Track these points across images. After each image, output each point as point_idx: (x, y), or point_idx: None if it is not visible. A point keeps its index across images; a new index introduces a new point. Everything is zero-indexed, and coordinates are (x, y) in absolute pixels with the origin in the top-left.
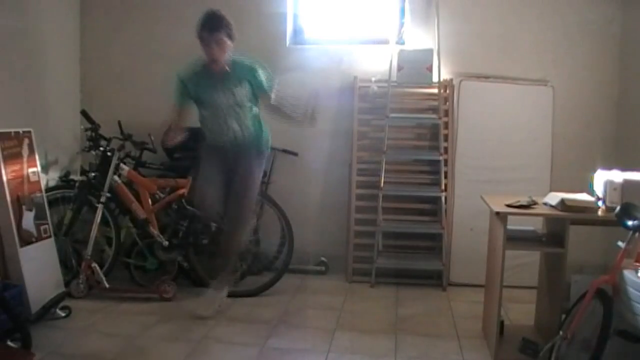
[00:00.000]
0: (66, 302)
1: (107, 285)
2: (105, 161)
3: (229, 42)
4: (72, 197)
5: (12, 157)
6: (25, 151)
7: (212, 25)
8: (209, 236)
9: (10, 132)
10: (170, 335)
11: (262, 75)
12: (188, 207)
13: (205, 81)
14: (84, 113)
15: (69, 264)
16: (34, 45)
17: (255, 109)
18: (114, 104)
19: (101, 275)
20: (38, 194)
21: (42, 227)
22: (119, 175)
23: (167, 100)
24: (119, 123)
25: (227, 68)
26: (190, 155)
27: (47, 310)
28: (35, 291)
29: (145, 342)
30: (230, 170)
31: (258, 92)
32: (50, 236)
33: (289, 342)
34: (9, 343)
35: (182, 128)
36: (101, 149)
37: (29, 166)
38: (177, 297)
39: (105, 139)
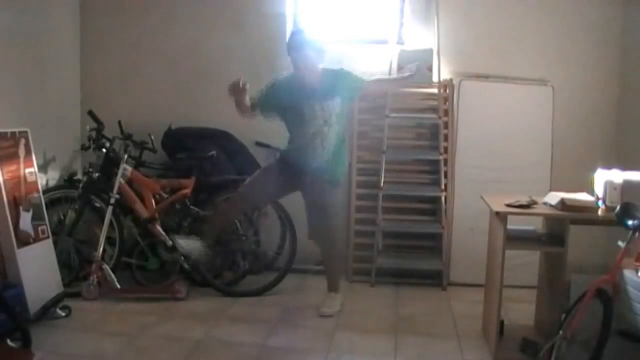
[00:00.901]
0: (66, 302)
1: (118, 286)
2: (108, 162)
3: (315, 58)
4: (75, 197)
5: (8, 157)
6: (22, 152)
7: (295, 45)
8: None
9: (7, 133)
10: (170, 335)
11: (350, 74)
12: (192, 207)
13: (297, 92)
14: (90, 113)
15: (72, 264)
16: (34, 45)
17: (340, 131)
18: (114, 104)
19: (112, 276)
20: (35, 195)
21: (40, 228)
22: (122, 176)
23: (167, 100)
24: (119, 123)
25: (318, 82)
26: (191, 155)
27: (47, 310)
28: (34, 291)
29: (145, 342)
30: (296, 187)
31: (354, 90)
32: (48, 237)
33: (289, 342)
34: (9, 343)
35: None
36: (104, 150)
37: (26, 166)
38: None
39: (107, 139)
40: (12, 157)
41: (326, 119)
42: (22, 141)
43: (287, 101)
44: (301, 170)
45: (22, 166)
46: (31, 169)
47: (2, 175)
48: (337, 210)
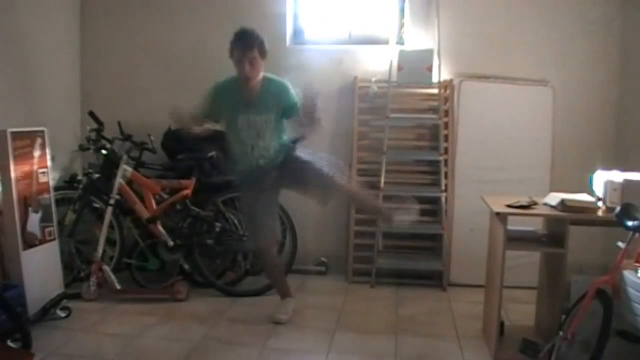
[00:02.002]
0: (66, 303)
1: (118, 287)
2: (108, 162)
3: (261, 60)
4: (76, 198)
5: (23, 157)
6: (36, 151)
7: (245, 43)
8: (214, 237)
9: (24, 132)
10: (170, 335)
11: (293, 94)
12: (192, 207)
13: (235, 100)
14: (91, 114)
15: (73, 265)
16: (35, 46)
17: (281, 132)
18: (114, 104)
19: (112, 277)
20: (46, 196)
21: (47, 230)
22: (122, 176)
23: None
24: (119, 123)
25: (258, 91)
26: (190, 156)
27: (47, 311)
28: (35, 292)
29: (145, 342)
30: (274, 184)
31: (290, 112)
32: (54, 239)
33: (289, 342)
34: (9, 343)
35: (193, 129)
36: (104, 151)
37: (40, 166)
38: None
39: (107, 139)
40: (27, 156)
41: (259, 131)
42: (39, 140)
43: (224, 107)
44: (261, 171)
45: (35, 166)
46: (44, 169)
47: (16, 175)
48: (316, 164)
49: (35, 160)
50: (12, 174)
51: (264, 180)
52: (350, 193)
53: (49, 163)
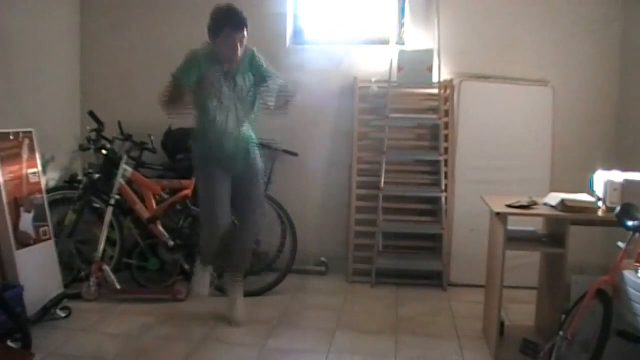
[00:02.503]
0: (66, 303)
1: (118, 287)
2: (108, 162)
3: (244, 40)
4: (76, 198)
5: (11, 158)
6: (24, 152)
7: (238, 23)
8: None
9: (9, 133)
10: (170, 335)
11: (261, 58)
12: (192, 207)
13: (214, 72)
14: (91, 114)
15: (73, 265)
16: (34, 45)
17: (254, 110)
18: (114, 104)
19: (112, 276)
20: (38, 196)
21: (41, 229)
22: (122, 176)
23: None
24: (119, 123)
25: (239, 61)
26: (191, 156)
27: (47, 311)
28: (33, 292)
29: (145, 342)
30: (233, 173)
31: (261, 77)
32: (50, 238)
33: (289, 342)
34: (9, 343)
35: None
36: (104, 151)
37: (29, 167)
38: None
39: (107, 139)
40: (15, 157)
41: (239, 99)
42: (26, 141)
43: (200, 75)
44: (227, 154)
45: (24, 167)
46: (34, 170)
47: (3, 176)
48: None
49: (24, 161)
50: (0, 175)
51: (226, 163)
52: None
53: (39, 164)
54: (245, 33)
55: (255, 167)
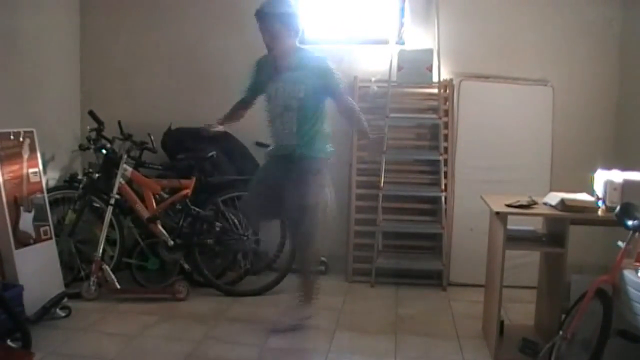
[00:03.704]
0: (66, 303)
1: (118, 286)
2: (108, 162)
3: (285, 32)
4: (76, 198)
5: (11, 157)
6: (25, 151)
7: (264, 14)
8: (214, 236)
9: (9, 133)
10: (170, 335)
11: (333, 75)
12: (192, 207)
13: (269, 70)
14: (91, 113)
15: (73, 264)
16: (34, 45)
17: (310, 115)
18: (114, 104)
19: (112, 276)
20: (39, 195)
21: (42, 229)
22: (122, 176)
23: (167, 100)
24: (119, 123)
25: (287, 61)
26: (190, 156)
27: (47, 311)
28: (33, 292)
29: (145, 342)
30: (285, 181)
31: (326, 92)
32: (50, 238)
33: (289, 342)
34: (9, 343)
35: (227, 122)
36: (104, 151)
37: (30, 166)
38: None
39: (107, 139)
40: (15, 157)
41: (285, 102)
42: (27, 141)
43: (259, 80)
44: (285, 158)
45: (25, 166)
46: (35, 169)
47: (2, 175)
48: (315, 195)
49: (25, 160)
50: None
51: (276, 168)
52: (307, 266)
53: (40, 163)
54: (276, 23)
55: (303, 180)
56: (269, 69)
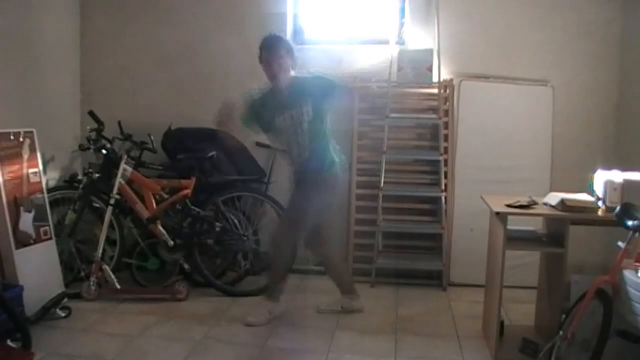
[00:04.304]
0: (66, 303)
1: (118, 287)
2: (108, 162)
3: (289, 61)
4: (76, 198)
5: (11, 157)
6: (25, 151)
7: (270, 44)
8: (214, 236)
9: (9, 133)
10: (170, 335)
11: (321, 78)
12: (192, 207)
13: (270, 105)
14: (91, 114)
15: (73, 264)
16: (34, 45)
17: (321, 134)
18: (114, 104)
19: (112, 276)
20: (39, 195)
21: (42, 229)
22: (122, 176)
23: (167, 100)
24: (119, 123)
25: (287, 90)
26: (190, 156)
27: (47, 311)
28: (33, 292)
29: (145, 342)
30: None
31: (323, 98)
32: (50, 238)
33: (289, 342)
34: (9, 343)
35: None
36: (104, 151)
37: (30, 167)
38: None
39: (107, 139)
40: (15, 157)
41: (296, 128)
42: (27, 141)
43: (266, 116)
44: (301, 174)
45: (25, 166)
46: (35, 169)
47: (3, 175)
48: (309, 209)
49: (25, 160)
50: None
51: (300, 184)
52: (332, 261)
53: (40, 163)
54: (281, 53)
55: (306, 193)
56: (271, 105)
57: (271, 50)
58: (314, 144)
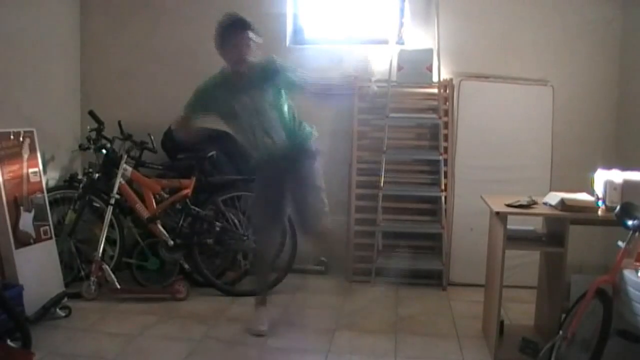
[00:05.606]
0: (66, 302)
1: (118, 286)
2: (109, 162)
3: (256, 41)
4: (76, 198)
5: (11, 157)
6: (25, 151)
7: (241, 25)
8: (214, 236)
9: (10, 133)
10: (170, 335)
11: (288, 72)
12: (192, 207)
13: (228, 91)
14: (91, 113)
15: (73, 264)
16: (34, 45)
17: (284, 112)
18: (114, 104)
19: (112, 276)
20: (39, 195)
21: (42, 229)
22: (122, 176)
23: (167, 100)
24: (119, 123)
25: (247, 73)
26: (190, 156)
27: (47, 310)
28: (33, 292)
29: (145, 342)
30: (284, 183)
31: (289, 92)
32: (50, 237)
33: (289, 342)
34: (9, 342)
35: (190, 129)
36: (104, 151)
37: (30, 166)
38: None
39: (107, 139)
40: (15, 157)
41: (259, 109)
42: (27, 141)
43: (221, 103)
44: (274, 161)
45: (25, 166)
46: (35, 169)
47: (3, 175)
48: (318, 183)
49: (25, 160)
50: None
51: (272, 170)
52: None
53: (40, 163)
54: (250, 35)
55: (304, 171)
56: (226, 89)
57: (241, 32)
58: (282, 123)
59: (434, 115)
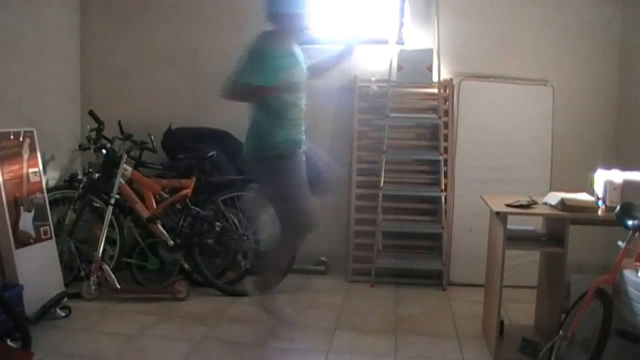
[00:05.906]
0: (66, 302)
1: (118, 286)
2: (109, 162)
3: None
4: (76, 198)
5: (11, 157)
6: (25, 151)
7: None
8: (214, 236)
9: (10, 133)
10: (170, 335)
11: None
12: (192, 207)
13: (294, 60)
14: (91, 113)
15: (73, 264)
16: (34, 45)
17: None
18: (114, 104)
19: (112, 276)
20: (39, 195)
21: (42, 229)
22: (122, 176)
23: (167, 100)
24: (119, 123)
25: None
26: (190, 156)
27: (47, 310)
28: (33, 292)
29: (145, 342)
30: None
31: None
32: (50, 237)
33: (289, 342)
34: (9, 343)
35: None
36: (104, 151)
37: (30, 166)
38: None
39: (107, 139)
40: (15, 157)
41: (302, 87)
42: (27, 141)
43: (289, 71)
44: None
45: (25, 166)
46: (35, 169)
47: (3, 175)
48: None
49: (25, 160)
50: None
51: (299, 153)
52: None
53: (40, 163)
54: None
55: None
56: (296, 62)
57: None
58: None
59: (434, 115)
